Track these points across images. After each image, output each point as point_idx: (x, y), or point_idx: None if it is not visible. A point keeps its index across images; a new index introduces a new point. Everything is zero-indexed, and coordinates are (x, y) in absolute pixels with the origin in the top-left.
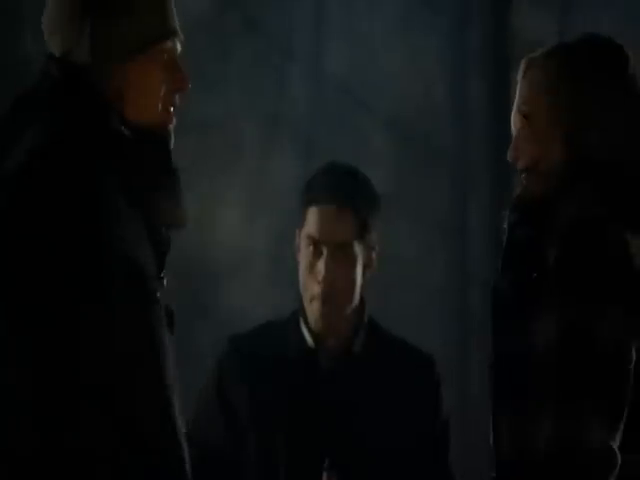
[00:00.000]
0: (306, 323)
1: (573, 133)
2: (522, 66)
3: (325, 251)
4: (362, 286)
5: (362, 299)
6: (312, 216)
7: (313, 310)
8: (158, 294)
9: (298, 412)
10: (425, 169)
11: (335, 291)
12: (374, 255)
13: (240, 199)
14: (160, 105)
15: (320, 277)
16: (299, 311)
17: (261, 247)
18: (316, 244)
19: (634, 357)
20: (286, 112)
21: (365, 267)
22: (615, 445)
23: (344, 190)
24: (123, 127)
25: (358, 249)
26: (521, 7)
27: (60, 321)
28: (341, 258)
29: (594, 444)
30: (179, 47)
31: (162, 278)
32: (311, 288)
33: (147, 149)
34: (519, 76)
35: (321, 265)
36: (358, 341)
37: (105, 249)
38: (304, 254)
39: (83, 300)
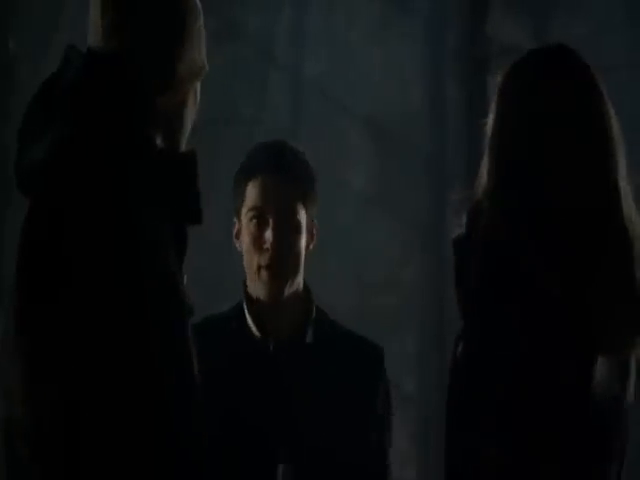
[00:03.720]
0: (251, 313)
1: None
2: None
3: (270, 219)
4: (305, 261)
5: (307, 287)
6: (254, 187)
7: (261, 279)
8: (188, 300)
9: (247, 405)
10: (404, 170)
11: (282, 258)
12: (315, 230)
13: (222, 202)
14: (184, 128)
15: (267, 244)
16: (242, 302)
17: (241, 254)
18: (261, 214)
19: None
20: (267, 116)
21: (308, 240)
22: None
23: (285, 159)
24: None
25: (302, 217)
26: (497, 11)
27: (91, 329)
28: (287, 225)
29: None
30: None
31: (182, 275)
32: (258, 259)
33: (170, 151)
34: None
35: (268, 233)
36: (309, 331)
37: (138, 259)
38: (247, 229)
39: (115, 310)
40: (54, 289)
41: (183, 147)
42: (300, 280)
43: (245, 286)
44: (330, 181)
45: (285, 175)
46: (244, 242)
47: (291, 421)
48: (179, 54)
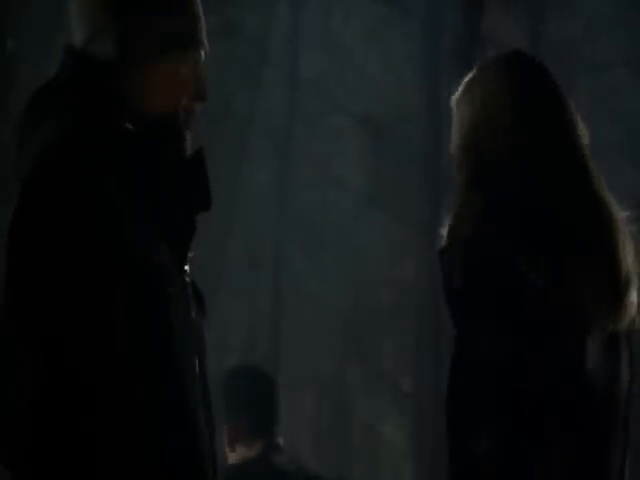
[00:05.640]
0: None
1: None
2: None
3: None
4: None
5: None
6: None
7: None
8: (171, 288)
9: None
10: (399, 169)
11: None
12: None
13: (216, 199)
14: (178, 109)
15: None
16: None
17: (236, 250)
18: None
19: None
20: (262, 114)
21: None
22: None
23: None
24: (135, 123)
25: None
26: (493, 12)
27: (65, 321)
28: None
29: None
30: (202, 58)
31: (184, 267)
32: None
33: (160, 143)
34: None
35: None
36: None
37: (112, 250)
38: None
39: (88, 301)
40: (36, 281)
41: (185, 121)
42: None
43: None
44: (326, 180)
45: None
46: None
47: None
48: (160, 21)
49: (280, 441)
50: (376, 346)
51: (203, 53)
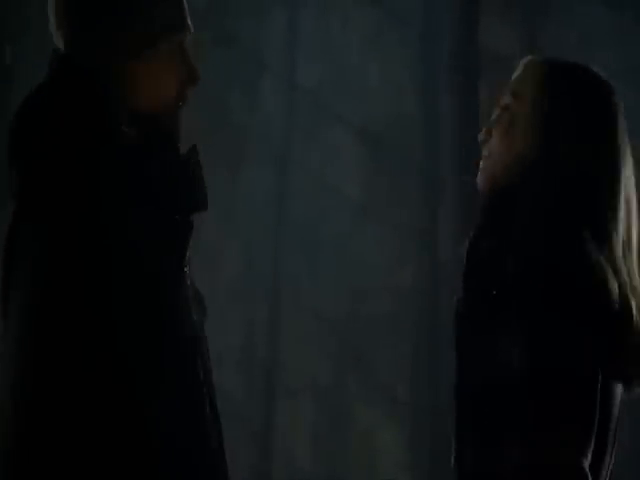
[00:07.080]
0: None
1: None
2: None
3: None
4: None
5: None
6: None
7: None
8: (177, 288)
9: None
10: (396, 178)
11: None
12: None
13: (212, 211)
14: (172, 99)
15: None
16: None
17: (234, 259)
18: None
19: (599, 375)
20: (259, 124)
21: None
22: (586, 464)
23: None
24: (129, 123)
25: None
26: (489, 22)
27: (70, 321)
28: None
29: (567, 467)
30: (188, 39)
31: (184, 268)
32: None
33: (153, 142)
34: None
35: None
36: None
37: (115, 250)
38: None
39: (92, 302)
40: (42, 286)
41: (176, 114)
42: None
43: None
44: (324, 189)
45: None
46: None
47: None
48: (130, 19)
49: None
50: (373, 355)
51: (188, 34)
